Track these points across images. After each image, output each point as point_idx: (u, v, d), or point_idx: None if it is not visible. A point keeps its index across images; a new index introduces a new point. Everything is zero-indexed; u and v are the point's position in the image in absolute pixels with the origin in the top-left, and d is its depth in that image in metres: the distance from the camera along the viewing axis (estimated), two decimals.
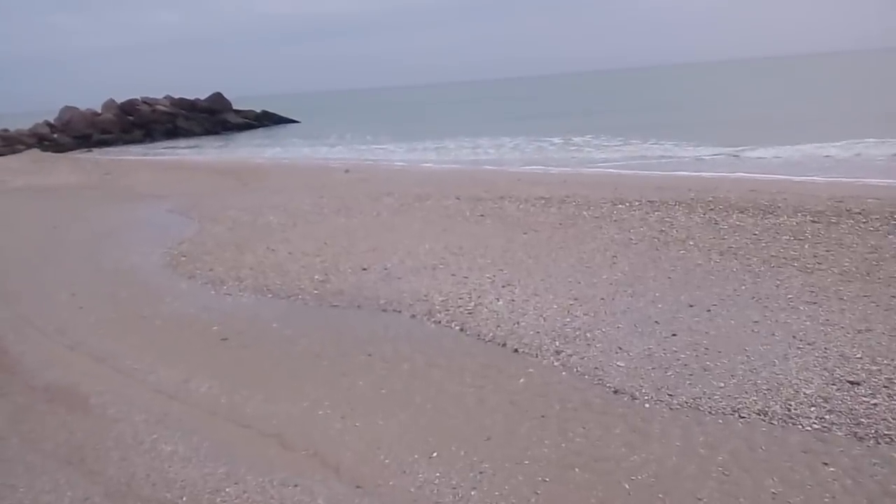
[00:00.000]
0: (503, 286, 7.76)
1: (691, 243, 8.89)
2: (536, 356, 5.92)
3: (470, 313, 7.04)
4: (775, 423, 4.59)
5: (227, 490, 4.19)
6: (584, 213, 11.18)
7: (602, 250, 8.91)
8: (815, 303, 6.57)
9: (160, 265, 10.09)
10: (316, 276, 8.76)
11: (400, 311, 7.34)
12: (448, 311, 7.17)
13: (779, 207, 10.33)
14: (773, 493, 3.87)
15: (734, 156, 18.61)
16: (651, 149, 21.72)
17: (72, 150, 40.25)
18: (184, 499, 4.13)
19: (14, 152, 36.82)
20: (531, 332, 6.40)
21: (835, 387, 4.96)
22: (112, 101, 48.42)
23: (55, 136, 43.22)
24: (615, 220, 10.48)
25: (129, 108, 48.42)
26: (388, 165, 22.79)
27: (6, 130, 42.52)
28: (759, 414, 4.69)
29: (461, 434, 4.71)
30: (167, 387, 5.79)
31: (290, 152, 31.58)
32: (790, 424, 4.56)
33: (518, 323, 6.66)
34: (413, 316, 7.18)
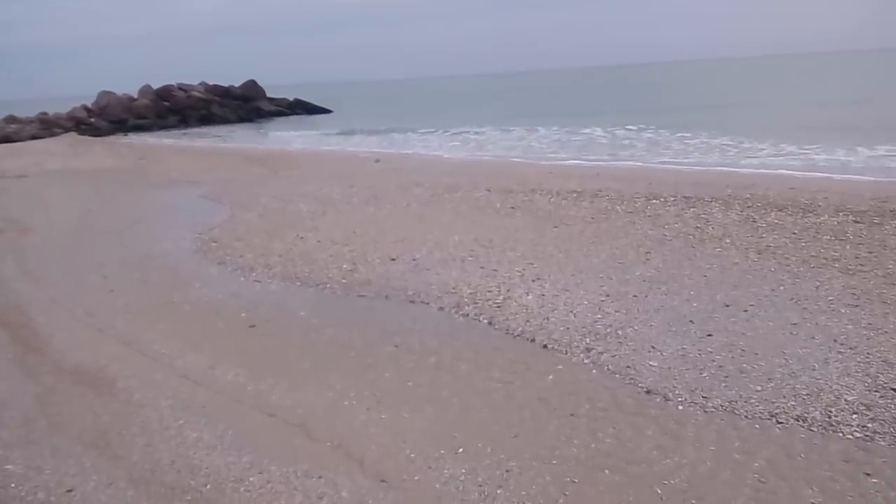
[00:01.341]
0: (533, 280, 7.63)
1: (728, 241, 8.66)
2: (566, 353, 5.79)
3: (499, 307, 6.93)
4: (815, 429, 4.42)
5: (251, 479, 4.14)
6: (618, 207, 10.98)
7: (635, 246, 8.72)
8: (856, 306, 6.34)
9: (191, 250, 10.13)
10: (344, 266, 8.71)
11: (428, 303, 7.26)
12: (476, 304, 7.06)
13: (819, 206, 10.03)
14: (813, 503, 3.72)
15: (805, 156, 17.42)
16: (722, 147, 20.54)
17: (108, 134, 40.82)
18: (207, 486, 4.09)
19: (52, 135, 37.54)
20: (561, 328, 6.27)
21: (878, 394, 4.76)
22: (148, 86, 49.01)
23: (92, 120, 43.86)
24: (649, 216, 10.27)
25: (164, 93, 48.97)
26: (417, 156, 22.70)
27: (45, 114, 43.28)
28: (797, 420, 4.52)
29: (488, 430, 4.61)
30: (194, 372, 5.78)
31: (321, 141, 31.67)
32: (830, 432, 4.38)
33: (548, 318, 6.53)
34: (441, 308, 7.09)
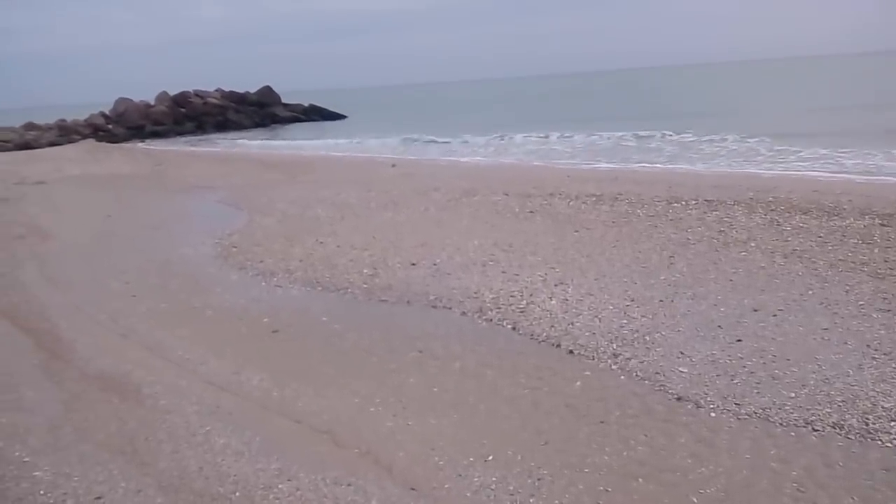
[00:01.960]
0: (555, 285, 7.56)
1: (753, 245, 8.56)
2: (593, 358, 5.72)
3: (522, 312, 6.87)
4: (852, 437, 4.33)
5: (279, 486, 4.11)
6: (638, 211, 10.89)
7: (658, 250, 8.63)
8: (889, 310, 6.23)
9: (211, 256, 10.15)
10: (364, 271, 8.68)
11: (450, 308, 7.21)
12: (499, 308, 7.01)
13: (844, 209, 9.89)
14: None
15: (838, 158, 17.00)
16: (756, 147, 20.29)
17: (125, 140, 41.14)
18: (237, 494, 4.06)
19: (70, 142, 37.85)
20: (586, 333, 6.20)
21: None
22: (165, 93, 49.35)
23: (110, 126, 44.23)
24: (671, 220, 10.17)
25: (181, 100, 49.30)
26: (434, 160, 22.67)
27: (63, 121, 43.70)
28: (834, 427, 4.43)
29: (517, 437, 4.55)
30: (218, 378, 5.76)
31: (337, 146, 31.74)
32: (868, 440, 4.29)
33: (572, 323, 6.46)
34: (464, 313, 7.04)
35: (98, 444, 4.75)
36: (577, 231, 9.96)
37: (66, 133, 40.92)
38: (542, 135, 28.44)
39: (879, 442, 4.26)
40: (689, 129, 25.15)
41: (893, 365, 5.17)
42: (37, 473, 4.41)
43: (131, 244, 11.35)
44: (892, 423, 4.41)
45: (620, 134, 26.12)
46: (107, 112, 46.42)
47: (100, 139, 39.56)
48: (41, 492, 4.21)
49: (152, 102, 48.41)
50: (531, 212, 11.51)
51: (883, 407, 4.61)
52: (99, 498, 4.12)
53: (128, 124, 44.87)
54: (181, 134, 45.07)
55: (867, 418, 4.49)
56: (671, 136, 24.91)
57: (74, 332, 7.11)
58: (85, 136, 40.04)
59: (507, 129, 31.75)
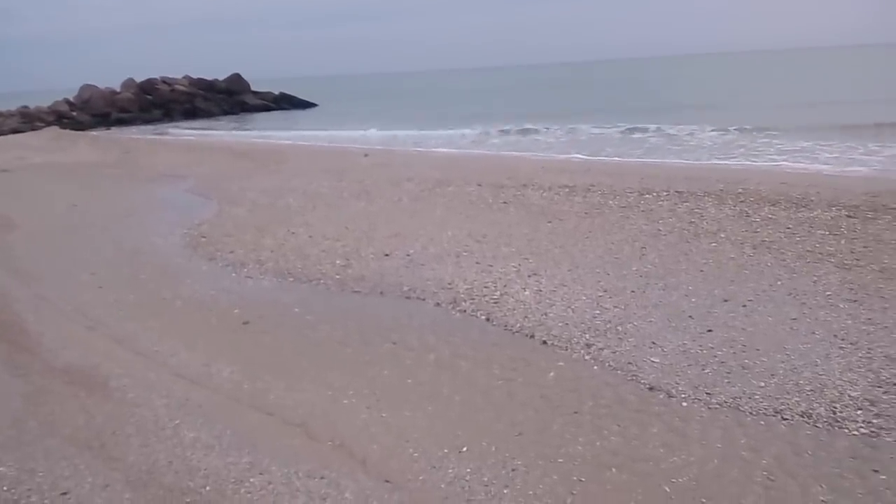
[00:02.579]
0: (529, 276, 7.58)
1: (723, 236, 8.65)
2: (566, 349, 5.74)
3: (496, 303, 6.87)
4: (820, 426, 4.39)
5: (251, 480, 4.05)
6: (611, 202, 10.95)
7: (630, 241, 8.69)
8: (855, 300, 6.34)
9: (180, 246, 9.99)
10: (337, 261, 8.61)
11: (424, 299, 7.18)
12: (473, 299, 7.00)
13: (812, 201, 10.04)
14: (823, 500, 3.69)
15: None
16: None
17: (91, 128, 40.35)
18: (207, 488, 4.00)
19: (34, 129, 37.03)
20: (560, 324, 6.22)
21: (881, 389, 4.75)
22: (131, 80, 48.49)
23: (74, 114, 43.37)
24: (643, 211, 10.25)
25: (148, 87, 48.49)
26: (407, 150, 22.55)
27: (26, 108, 42.74)
28: (802, 416, 4.50)
29: (491, 428, 4.55)
30: (188, 371, 5.67)
31: (308, 135, 31.41)
32: (836, 428, 4.36)
33: (546, 314, 6.48)
34: (438, 304, 7.02)
35: (64, 438, 4.64)
36: (550, 222, 9.98)
37: (29, 120, 40.02)
38: (521, 127, 28.18)
39: (847, 430, 4.33)
40: (673, 122, 25.15)
41: (860, 354, 5.26)
42: (0, 469, 4.30)
43: (98, 234, 11.13)
44: (859, 412, 4.49)
45: (603, 127, 26.05)
46: (71, 99, 45.45)
47: (64, 126, 38.72)
48: (4, 488, 4.10)
49: (118, 89, 47.52)
50: (505, 203, 11.51)
51: (850, 396, 4.68)
52: (65, 493, 4.03)
53: (93, 111, 44.02)
54: (148, 122, 44.35)
55: (835, 407, 4.57)
56: (652, 128, 24.92)
57: (40, 324, 6.96)
58: (49, 124, 39.19)
59: (485, 119, 31.51)
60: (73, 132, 35.47)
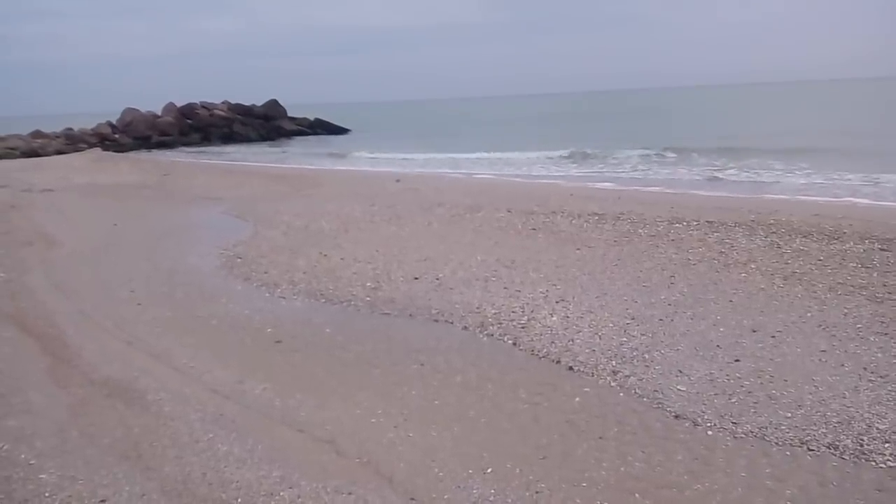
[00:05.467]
0: (557, 301, 7.64)
1: (753, 266, 8.64)
2: (592, 375, 5.79)
3: (523, 328, 6.94)
4: (847, 458, 4.38)
5: (281, 493, 4.17)
6: (640, 230, 10.98)
7: (659, 269, 8.72)
8: (886, 334, 6.29)
9: (216, 266, 10.25)
10: (368, 283, 8.77)
11: (452, 322, 7.29)
12: (501, 324, 7.08)
13: (844, 233, 9.97)
14: None
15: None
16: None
17: (132, 150, 41.49)
18: (239, 500, 4.12)
19: (77, 150, 38.17)
20: (586, 350, 6.27)
21: None
22: (172, 104, 49.80)
23: (116, 136, 44.64)
24: (672, 240, 10.26)
25: (188, 111, 49.75)
26: (438, 176, 22.81)
27: (70, 129, 44.10)
28: (829, 448, 4.49)
29: (516, 451, 4.62)
30: (222, 387, 5.84)
31: (342, 160, 31.93)
32: (863, 460, 4.34)
33: (572, 340, 6.54)
34: (465, 328, 7.12)
35: (103, 448, 4.82)
36: (578, 249, 10.05)
37: (72, 142, 41.27)
38: (551, 154, 28.37)
39: (873, 463, 4.31)
40: (697, 151, 25.22)
41: (889, 387, 5.23)
42: (43, 476, 4.48)
43: (137, 253, 11.46)
44: (887, 445, 4.47)
45: (637, 152, 26.40)
46: (114, 122, 46.80)
47: (106, 148, 39.91)
48: (46, 494, 4.28)
49: (159, 113, 48.82)
50: (534, 229, 11.61)
51: (878, 428, 4.66)
52: (103, 501, 4.18)
53: (134, 134, 45.27)
54: (187, 145, 45.46)
55: (862, 439, 4.55)
56: (673, 156, 25.02)
57: (81, 338, 7.20)
58: (91, 146, 40.39)
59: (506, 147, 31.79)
60: (114, 154, 36.55)
